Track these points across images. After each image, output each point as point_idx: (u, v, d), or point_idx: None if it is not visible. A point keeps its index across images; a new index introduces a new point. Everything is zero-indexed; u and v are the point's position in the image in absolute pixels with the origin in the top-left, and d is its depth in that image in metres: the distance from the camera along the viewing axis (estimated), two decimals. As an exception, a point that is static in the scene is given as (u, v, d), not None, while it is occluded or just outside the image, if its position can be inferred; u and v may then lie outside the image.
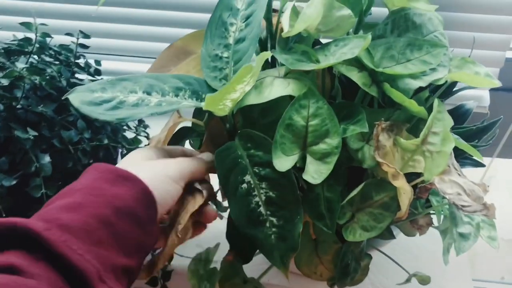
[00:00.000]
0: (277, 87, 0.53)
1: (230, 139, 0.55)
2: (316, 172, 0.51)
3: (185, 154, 0.55)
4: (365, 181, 0.53)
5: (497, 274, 1.51)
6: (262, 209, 0.50)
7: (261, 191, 0.50)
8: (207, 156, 0.55)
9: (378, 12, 0.70)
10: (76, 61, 0.75)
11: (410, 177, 0.54)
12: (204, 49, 0.56)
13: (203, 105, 0.48)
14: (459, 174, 0.52)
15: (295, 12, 0.55)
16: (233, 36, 0.55)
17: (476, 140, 0.64)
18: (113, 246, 0.40)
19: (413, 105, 0.52)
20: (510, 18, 0.76)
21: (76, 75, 0.77)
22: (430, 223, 0.59)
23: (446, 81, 0.56)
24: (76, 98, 0.48)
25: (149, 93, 0.50)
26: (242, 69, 0.45)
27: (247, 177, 0.51)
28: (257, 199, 0.50)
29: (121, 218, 0.42)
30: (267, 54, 0.48)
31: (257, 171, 0.51)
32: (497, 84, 0.55)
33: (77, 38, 0.72)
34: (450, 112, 0.69)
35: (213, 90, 0.55)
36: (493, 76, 0.57)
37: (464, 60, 0.58)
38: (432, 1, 0.74)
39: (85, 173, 0.46)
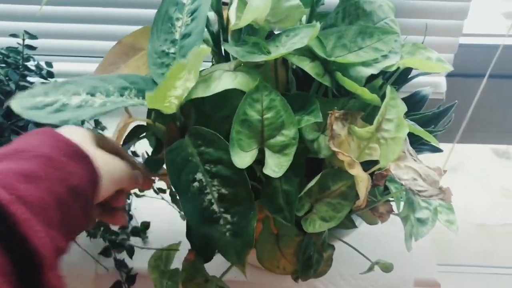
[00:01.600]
0: (225, 80, 0.53)
1: (181, 137, 0.53)
2: (276, 165, 0.50)
3: (122, 157, 0.52)
4: (322, 172, 0.53)
5: (466, 258, 1.54)
6: (215, 206, 0.49)
7: (213, 188, 0.49)
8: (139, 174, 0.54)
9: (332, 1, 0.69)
10: (26, 63, 0.72)
11: (367, 165, 0.53)
12: (151, 45, 0.54)
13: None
14: (414, 160, 0.53)
15: (243, 4, 0.54)
16: (179, 31, 0.54)
17: (433, 126, 0.64)
18: (60, 229, 0.37)
19: (365, 93, 0.52)
20: (462, 4, 0.77)
21: (28, 78, 0.74)
22: (390, 210, 0.59)
23: (399, 68, 0.56)
24: (17, 104, 0.46)
25: (93, 95, 0.48)
26: (175, 66, 0.44)
27: (199, 175, 0.49)
28: (209, 196, 0.49)
29: (73, 199, 0.39)
30: (205, 50, 0.47)
31: (208, 168, 0.50)
32: (449, 68, 0.56)
33: (23, 40, 0.70)
34: (406, 99, 0.69)
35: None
36: (445, 61, 0.57)
37: (416, 46, 0.58)
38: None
39: (38, 135, 0.42)
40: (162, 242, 0.71)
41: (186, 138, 0.51)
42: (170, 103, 0.48)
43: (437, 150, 0.65)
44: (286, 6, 0.53)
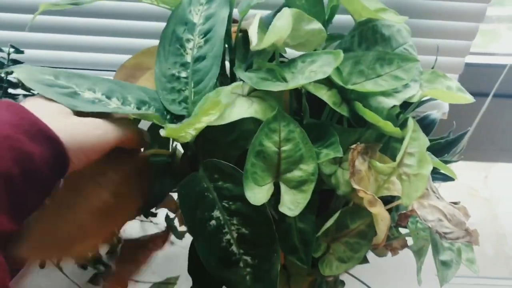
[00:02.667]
0: (239, 108, 0.48)
1: (192, 168, 0.49)
2: (292, 203, 0.46)
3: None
4: (340, 209, 0.49)
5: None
6: (234, 247, 0.45)
7: (232, 227, 0.45)
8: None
9: (340, 21, 0.66)
10: (9, 77, 0.67)
11: (385, 199, 0.50)
12: (158, 68, 0.50)
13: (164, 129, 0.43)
14: (438, 197, 0.50)
15: (260, 25, 0.50)
16: (190, 54, 0.50)
17: (446, 154, 0.62)
18: (6, 210, 0.35)
19: (388, 126, 0.49)
20: (470, 25, 0.75)
21: (10, 90, 0.69)
22: (405, 245, 0.56)
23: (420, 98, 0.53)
24: (24, 72, 0.43)
25: (108, 97, 0.45)
26: (210, 103, 0.40)
27: (216, 213, 0.45)
28: (228, 236, 0.45)
29: (27, 181, 0.36)
30: (238, 86, 0.43)
31: (226, 205, 0.46)
32: (471, 100, 0.53)
33: (8, 54, 0.64)
34: (417, 122, 0.66)
35: (171, 113, 0.49)
36: (465, 91, 0.54)
37: (435, 73, 0.55)
38: (393, 9, 0.72)
39: (3, 109, 0.38)
40: (157, 272, 0.67)
41: (201, 171, 0.47)
42: (186, 133, 0.44)
43: (450, 179, 0.62)
44: (306, 30, 0.49)
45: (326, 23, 0.60)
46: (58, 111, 0.42)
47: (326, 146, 0.50)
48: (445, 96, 0.53)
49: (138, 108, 0.46)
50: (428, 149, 0.60)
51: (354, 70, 0.53)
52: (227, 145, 0.52)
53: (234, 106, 0.49)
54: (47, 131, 0.38)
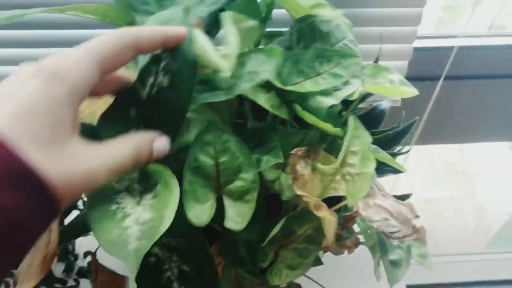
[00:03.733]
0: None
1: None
2: (238, 215, 0.44)
3: None
4: (285, 216, 0.48)
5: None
6: (175, 284, 0.43)
7: (173, 264, 0.43)
8: None
9: (280, 15, 0.64)
10: None
11: (332, 200, 0.49)
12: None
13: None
14: (383, 195, 0.49)
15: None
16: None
17: (395, 146, 0.61)
18: None
19: (328, 128, 0.47)
20: (415, 10, 0.74)
21: None
22: (358, 243, 0.55)
23: (361, 94, 0.52)
24: None
25: None
26: None
27: (155, 249, 0.43)
28: (168, 273, 0.43)
29: (4, 235, 0.28)
30: None
31: (165, 242, 0.44)
32: (414, 93, 0.52)
33: None
34: (364, 115, 0.65)
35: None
36: (409, 83, 0.53)
37: (378, 67, 0.54)
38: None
39: None
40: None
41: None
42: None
43: (400, 171, 0.62)
44: (241, 28, 0.47)
45: (264, 20, 0.58)
46: (55, 127, 0.31)
47: (267, 152, 0.48)
48: (387, 91, 0.52)
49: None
50: (377, 141, 0.60)
51: (293, 69, 0.51)
52: (168, 160, 0.50)
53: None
54: (28, 174, 0.29)
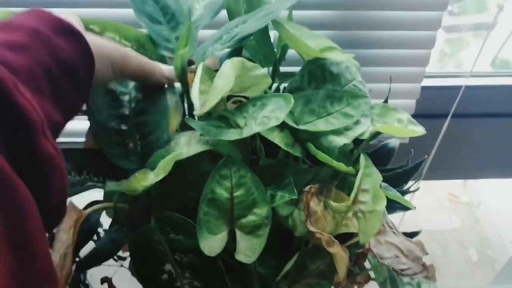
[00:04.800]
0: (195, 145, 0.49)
1: (145, 218, 0.49)
2: (248, 249, 0.46)
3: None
4: (298, 251, 0.49)
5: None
6: None
7: (185, 281, 0.45)
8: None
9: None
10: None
11: (344, 237, 0.51)
12: (93, 121, 0.50)
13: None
14: (394, 233, 0.50)
15: (208, 74, 0.50)
16: (128, 107, 0.50)
17: (404, 184, 0.62)
18: (52, 101, 0.36)
19: (341, 167, 0.49)
20: (424, 52, 0.77)
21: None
22: (368, 279, 0.56)
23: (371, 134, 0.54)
24: None
25: None
26: (163, 165, 0.39)
27: (168, 266, 0.45)
28: None
29: (62, 71, 0.38)
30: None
31: (178, 258, 0.45)
32: (421, 132, 0.54)
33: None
34: (374, 153, 0.67)
35: (118, 168, 0.49)
36: (416, 122, 0.55)
37: (386, 107, 0.56)
38: (342, 40, 0.73)
39: (23, 14, 0.39)
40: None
41: (153, 223, 0.47)
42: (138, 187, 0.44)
43: (409, 208, 0.63)
44: (251, 76, 0.50)
45: (278, 61, 0.61)
46: (79, 22, 0.45)
47: (281, 188, 0.50)
48: (396, 131, 0.53)
49: (79, 174, 0.46)
50: (387, 179, 0.61)
51: (305, 109, 0.53)
52: (184, 189, 0.52)
53: (190, 143, 0.49)
54: (70, 27, 0.39)
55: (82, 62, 0.40)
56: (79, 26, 0.43)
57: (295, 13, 0.69)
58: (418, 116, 0.91)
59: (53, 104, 0.36)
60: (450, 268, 1.86)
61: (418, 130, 0.54)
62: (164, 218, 0.46)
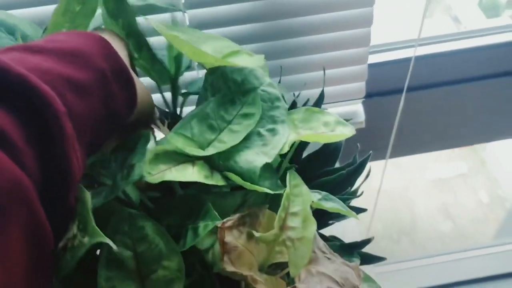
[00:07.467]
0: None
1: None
2: None
3: None
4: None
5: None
6: None
7: None
8: None
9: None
10: None
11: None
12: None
13: None
14: (327, 258, 0.44)
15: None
16: None
17: (349, 187, 0.56)
18: (85, 150, 0.34)
19: (265, 191, 0.43)
20: (362, 31, 0.69)
21: None
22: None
23: (294, 143, 0.47)
24: None
25: None
26: None
27: None
28: None
29: (108, 121, 0.37)
30: None
31: None
32: (351, 133, 0.47)
33: None
34: (315, 154, 0.59)
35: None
36: (345, 122, 0.48)
37: (310, 111, 0.48)
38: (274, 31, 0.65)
39: (87, 39, 0.38)
40: None
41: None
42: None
43: (362, 210, 0.57)
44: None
45: (175, 77, 0.53)
46: (126, 53, 0.44)
47: (201, 217, 0.43)
48: (321, 138, 0.47)
49: None
50: (330, 183, 0.54)
51: (203, 127, 0.45)
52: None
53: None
54: (126, 72, 0.39)
55: (126, 111, 0.40)
56: (127, 60, 0.43)
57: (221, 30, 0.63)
58: (372, 95, 0.84)
59: (85, 152, 0.35)
60: (463, 214, 1.82)
61: (347, 131, 0.47)
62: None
